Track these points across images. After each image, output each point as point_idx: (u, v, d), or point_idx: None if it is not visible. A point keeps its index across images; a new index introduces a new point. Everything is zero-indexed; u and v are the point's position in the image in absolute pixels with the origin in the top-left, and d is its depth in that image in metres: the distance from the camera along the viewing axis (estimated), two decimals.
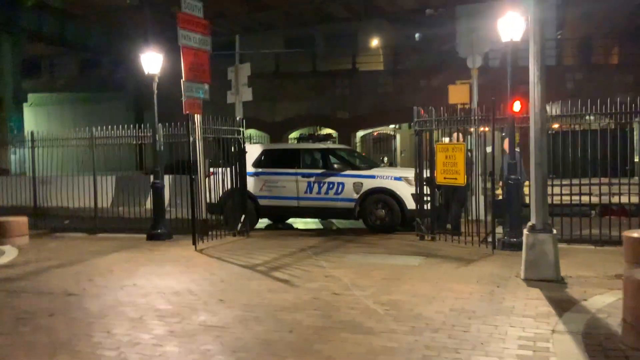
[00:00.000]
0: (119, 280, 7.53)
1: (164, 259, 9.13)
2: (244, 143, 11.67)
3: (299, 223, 13.56)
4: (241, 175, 11.55)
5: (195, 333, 5.23)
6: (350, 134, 23.73)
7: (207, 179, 12.72)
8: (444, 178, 9.62)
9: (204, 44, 12.06)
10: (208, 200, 12.43)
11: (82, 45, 24.18)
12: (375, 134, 28.85)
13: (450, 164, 9.42)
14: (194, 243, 10.00)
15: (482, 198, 11.78)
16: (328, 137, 16.45)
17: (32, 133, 13.87)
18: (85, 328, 5.45)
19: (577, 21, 23.35)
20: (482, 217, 11.10)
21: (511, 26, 9.15)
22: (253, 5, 19.53)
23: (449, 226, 10.72)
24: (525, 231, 7.17)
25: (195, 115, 12.07)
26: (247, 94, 15.78)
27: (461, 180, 9.36)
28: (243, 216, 11.47)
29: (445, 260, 8.39)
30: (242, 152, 11.58)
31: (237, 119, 11.66)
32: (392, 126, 28.96)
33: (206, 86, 12.20)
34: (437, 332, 5.09)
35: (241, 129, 11.60)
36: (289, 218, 13.49)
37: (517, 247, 9.00)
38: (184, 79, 11.60)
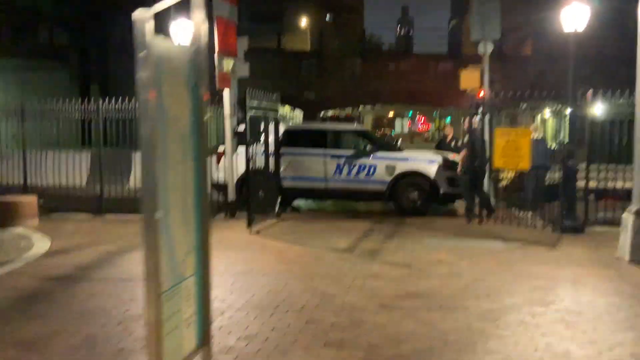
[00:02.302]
0: (234, 265, 6.95)
1: (229, 243, 8.53)
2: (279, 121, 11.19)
3: (307, 205, 13.24)
4: (276, 155, 11.06)
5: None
6: (316, 114, 23.51)
7: (219, 160, 12.13)
8: (504, 162, 9.76)
9: (232, 15, 11.44)
10: (218, 181, 11.88)
11: (26, 6, 22.06)
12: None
13: (513, 148, 9.56)
14: (249, 226, 9.48)
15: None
16: (350, 118, 16.15)
17: (21, 103, 12.45)
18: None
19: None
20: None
21: (576, 16, 9.37)
22: None
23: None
24: (630, 215, 7.42)
25: (224, 89, 11.47)
26: (243, 70, 15.00)
27: (525, 164, 9.53)
28: (279, 198, 11.02)
29: (525, 243, 8.50)
30: (278, 131, 11.09)
31: (274, 95, 11.06)
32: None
33: (233, 60, 11.63)
34: None
35: (278, 105, 11.10)
36: (312, 199, 13.11)
37: (576, 230, 9.39)
38: (217, 52, 10.94)
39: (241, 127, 12.42)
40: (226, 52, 11.16)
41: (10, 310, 5.37)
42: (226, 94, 11.48)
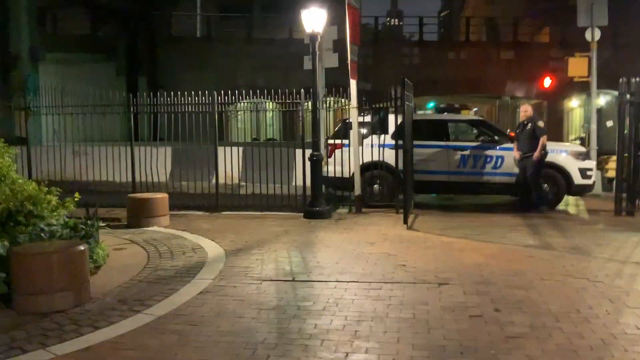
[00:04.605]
0: (461, 268, 6.54)
1: (401, 240, 8.04)
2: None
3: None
4: (410, 147, 10.54)
5: None
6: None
7: (332, 153, 11.71)
8: None
9: (357, 2, 10.99)
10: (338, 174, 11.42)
11: None
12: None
13: None
14: (405, 222, 9.06)
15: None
16: (463, 107, 15.72)
17: (133, 98, 11.81)
18: None
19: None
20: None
21: None
22: None
23: None
24: None
25: (352, 80, 11.05)
26: (332, 60, 14.47)
27: None
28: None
29: None
30: (411, 122, 10.60)
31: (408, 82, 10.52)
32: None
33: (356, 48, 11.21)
34: None
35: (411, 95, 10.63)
36: (434, 193, 12.63)
37: None
38: (350, 42, 10.54)
39: (368, 118, 11.98)
40: (355, 41, 10.75)
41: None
42: (353, 84, 11.05)
